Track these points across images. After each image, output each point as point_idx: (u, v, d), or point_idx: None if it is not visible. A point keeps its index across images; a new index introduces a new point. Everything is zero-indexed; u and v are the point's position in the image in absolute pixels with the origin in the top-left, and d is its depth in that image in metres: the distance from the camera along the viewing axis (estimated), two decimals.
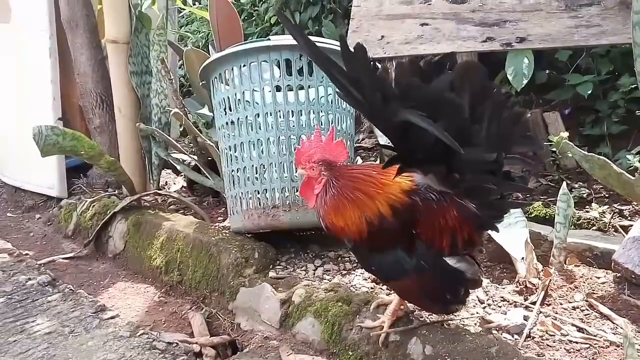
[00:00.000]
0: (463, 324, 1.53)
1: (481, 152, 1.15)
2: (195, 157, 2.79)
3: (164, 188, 3.31)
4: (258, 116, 1.92)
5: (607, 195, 2.71)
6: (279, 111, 1.90)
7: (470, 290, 1.36)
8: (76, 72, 3.09)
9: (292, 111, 1.92)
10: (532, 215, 2.63)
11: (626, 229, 2.27)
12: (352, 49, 1.06)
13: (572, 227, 2.51)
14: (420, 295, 1.36)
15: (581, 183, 2.91)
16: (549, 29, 1.86)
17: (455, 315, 1.56)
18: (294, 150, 1.86)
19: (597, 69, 3.27)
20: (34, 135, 2.19)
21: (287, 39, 1.83)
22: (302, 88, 1.91)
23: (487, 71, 1.13)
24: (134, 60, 2.81)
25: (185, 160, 2.98)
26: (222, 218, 2.61)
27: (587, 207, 2.70)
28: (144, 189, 2.94)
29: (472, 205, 1.24)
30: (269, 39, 1.83)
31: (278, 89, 1.89)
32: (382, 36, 2.22)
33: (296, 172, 1.43)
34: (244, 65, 1.88)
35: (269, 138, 1.90)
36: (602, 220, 2.37)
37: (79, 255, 2.62)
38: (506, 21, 1.95)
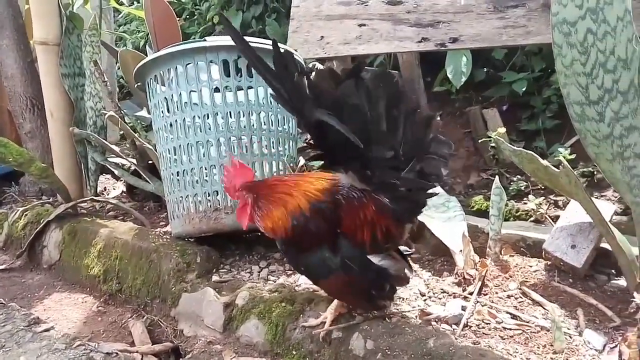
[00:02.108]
0: (404, 317, 1.57)
1: (382, 149, 1.28)
2: (134, 161, 2.70)
3: (103, 194, 3.20)
4: (197, 118, 1.88)
5: (543, 188, 2.84)
6: (219, 113, 1.87)
7: (396, 287, 1.44)
8: (3, 76, 2.94)
9: (232, 112, 1.90)
10: (474, 208, 2.73)
11: (557, 219, 2.39)
12: (281, 52, 1.21)
13: (511, 218, 2.64)
14: (347, 292, 1.42)
15: (519, 176, 3.04)
16: (479, 30, 1.93)
17: (396, 310, 1.60)
18: (236, 151, 1.87)
19: (531, 67, 3.43)
20: None
21: (224, 40, 1.81)
22: (242, 89, 1.89)
23: (400, 80, 1.26)
24: (66, 62, 2.69)
25: (124, 165, 2.89)
26: (163, 223, 2.55)
27: (525, 199, 2.83)
28: (81, 195, 2.83)
29: (385, 199, 1.34)
30: (205, 40, 1.80)
31: (217, 90, 1.87)
32: (322, 36, 2.23)
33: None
34: (181, 66, 1.84)
35: (208, 140, 1.87)
36: (538, 211, 2.49)
37: (11, 267, 2.49)
38: (439, 22, 2.01)
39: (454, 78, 3.38)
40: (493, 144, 3.19)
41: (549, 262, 1.78)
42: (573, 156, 2.87)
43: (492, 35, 1.91)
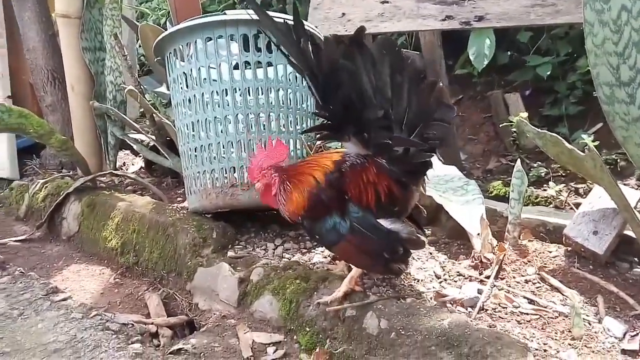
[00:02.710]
0: (419, 298, 1.55)
1: (373, 110, 1.34)
2: (153, 137, 2.71)
3: (122, 169, 3.23)
4: (216, 94, 1.87)
5: (564, 175, 2.79)
6: (237, 89, 1.86)
7: (410, 250, 1.45)
8: (25, 49, 2.95)
9: (250, 89, 1.88)
10: (493, 194, 2.68)
11: (578, 206, 2.34)
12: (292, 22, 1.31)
13: (530, 205, 2.60)
14: (360, 255, 1.46)
15: (540, 162, 2.99)
16: (506, 8, 1.87)
17: (411, 291, 1.59)
18: (254, 129, 1.86)
19: (556, 50, 3.34)
20: None
21: (244, 14, 1.78)
22: (261, 66, 1.87)
23: (421, 60, 1.31)
24: (87, 36, 2.70)
25: (143, 140, 2.90)
26: (181, 199, 2.56)
27: (545, 185, 2.79)
28: (100, 169, 2.85)
29: (383, 161, 1.40)
30: (224, 13, 1.78)
31: (237, 66, 1.85)
32: (343, 13, 2.19)
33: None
34: (201, 41, 1.82)
35: (226, 116, 1.86)
36: (558, 198, 2.44)
37: (31, 237, 2.53)
38: (465, 0, 1.95)
39: (476, 60, 3.30)
40: (514, 129, 3.14)
41: (569, 248, 1.74)
42: (596, 143, 2.81)
43: (520, 14, 1.85)
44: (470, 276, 1.72)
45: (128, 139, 2.75)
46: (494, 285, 1.63)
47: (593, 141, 2.76)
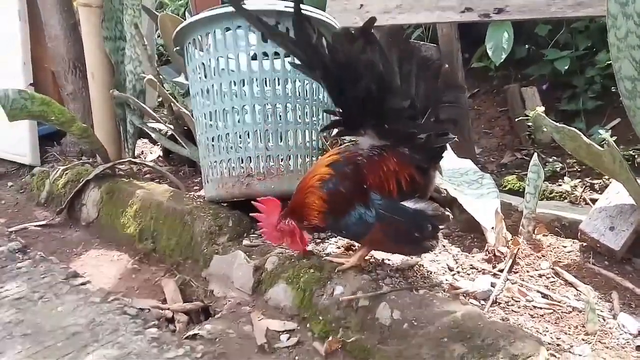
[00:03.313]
0: (432, 290, 1.56)
1: (398, 101, 1.36)
2: (172, 126, 2.75)
3: (140, 157, 3.27)
4: (234, 84, 1.89)
5: (579, 170, 2.77)
6: (255, 79, 1.88)
7: (438, 226, 1.48)
8: (47, 37, 3.00)
9: (267, 79, 1.89)
10: (507, 188, 2.67)
11: (595, 202, 2.32)
12: (302, 17, 1.35)
13: (545, 199, 2.58)
14: (391, 241, 1.49)
15: (555, 157, 2.96)
16: (527, 0, 1.85)
17: (424, 282, 1.60)
18: (271, 119, 1.88)
19: (575, 45, 3.29)
20: (0, 98, 2.13)
21: (262, 4, 1.80)
22: (279, 56, 1.88)
23: (438, 53, 1.37)
24: (108, 25, 2.73)
25: (161, 130, 2.94)
26: (197, 187, 2.60)
27: (560, 180, 2.77)
28: (119, 157, 2.90)
29: (405, 150, 1.43)
30: (244, 4, 1.79)
31: (255, 56, 1.86)
32: (361, 5, 2.19)
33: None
34: (220, 31, 1.84)
35: (244, 106, 1.88)
36: (573, 193, 2.42)
37: (51, 223, 2.59)
38: None
39: (494, 54, 3.27)
40: (530, 123, 3.11)
41: (585, 244, 1.73)
42: (614, 139, 2.77)
43: (540, 6, 1.83)
44: (483, 269, 1.72)
45: (147, 128, 2.79)
46: (507, 279, 1.63)
47: (611, 137, 2.74)
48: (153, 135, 2.76)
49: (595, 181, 2.59)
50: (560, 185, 2.69)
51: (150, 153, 3.36)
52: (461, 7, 1.98)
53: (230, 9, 1.80)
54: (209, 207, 2.03)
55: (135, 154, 3.12)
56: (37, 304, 1.67)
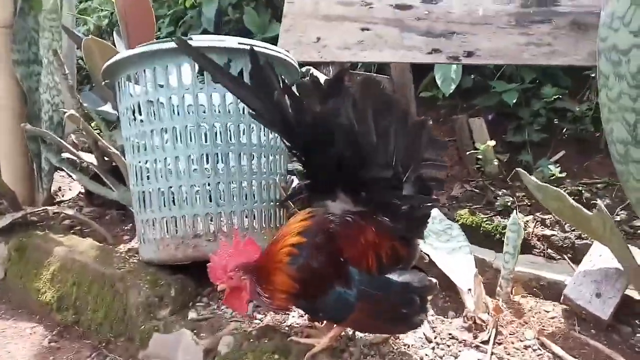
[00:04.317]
0: None
1: (378, 169, 1.20)
2: (96, 163, 2.38)
3: (57, 195, 2.85)
4: (177, 129, 1.61)
5: (529, 204, 2.73)
6: (204, 124, 1.61)
7: (426, 297, 1.31)
8: None
9: (217, 123, 1.63)
10: (459, 222, 2.57)
11: (562, 249, 2.27)
12: (261, 64, 1.14)
13: (497, 235, 2.53)
14: (377, 321, 1.29)
15: (504, 190, 2.93)
16: (498, 44, 1.74)
17: None
18: (224, 170, 1.61)
19: (521, 77, 3.30)
20: None
21: (211, 40, 1.54)
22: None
23: (385, 84, 1.22)
24: (19, 47, 2.33)
25: (83, 162, 2.55)
26: (128, 237, 2.25)
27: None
28: (32, 199, 2.49)
29: (385, 219, 1.26)
30: (190, 38, 1.52)
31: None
32: (318, 38, 1.99)
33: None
34: (160, 67, 1.56)
35: (189, 155, 1.60)
36: (525, 229, 2.37)
37: None
38: (453, 33, 1.81)
39: (443, 85, 3.22)
40: (480, 156, 3.07)
41: (567, 308, 1.62)
42: (563, 174, 2.78)
43: (513, 52, 1.73)
44: (464, 340, 1.55)
45: (65, 167, 2.41)
46: (492, 353, 1.48)
47: (560, 172, 2.75)
48: (74, 176, 2.38)
49: (546, 216, 2.56)
50: None
51: (69, 189, 2.94)
52: (428, 48, 1.84)
53: (172, 44, 1.52)
54: (146, 272, 1.72)
55: (52, 191, 2.71)
56: None
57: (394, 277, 1.26)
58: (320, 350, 1.37)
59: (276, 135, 1.73)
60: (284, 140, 1.27)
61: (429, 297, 1.41)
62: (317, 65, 1.98)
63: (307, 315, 1.66)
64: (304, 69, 2.19)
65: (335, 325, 1.40)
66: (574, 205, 1.46)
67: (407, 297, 1.26)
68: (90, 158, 2.50)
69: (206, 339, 1.50)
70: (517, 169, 1.68)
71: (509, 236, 1.65)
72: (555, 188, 1.51)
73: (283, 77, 1.19)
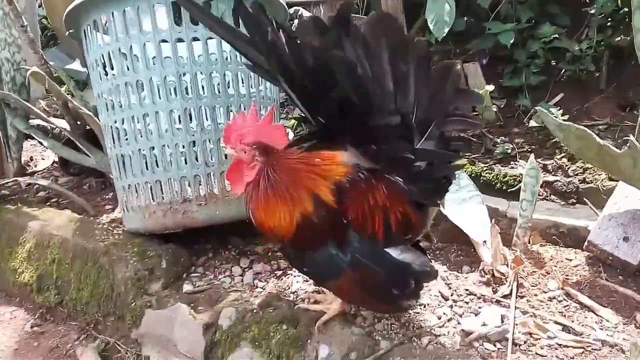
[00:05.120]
0: (437, 337, 1.26)
1: (386, 115, 1.06)
2: (68, 127, 2.17)
3: (29, 165, 2.64)
4: (156, 80, 1.42)
5: (529, 150, 2.63)
6: (185, 73, 1.42)
7: (423, 284, 1.19)
8: None
9: (201, 72, 1.44)
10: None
11: (566, 194, 2.17)
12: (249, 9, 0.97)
13: (498, 184, 2.43)
14: (363, 294, 1.18)
15: (503, 137, 2.81)
16: None
17: (427, 328, 1.29)
18: (210, 126, 1.44)
19: (516, 17, 3.12)
20: None
21: None
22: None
23: (402, 23, 1.03)
24: None
25: (54, 128, 2.34)
26: (110, 206, 2.07)
27: (513, 163, 2.63)
28: (1, 170, 2.28)
29: (399, 179, 1.11)
30: None
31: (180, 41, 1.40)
32: None
33: (225, 150, 1.16)
34: (132, 10, 1.35)
35: (171, 111, 1.42)
36: None
37: None
38: None
39: (436, 28, 3.01)
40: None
41: (590, 254, 1.52)
42: (565, 117, 2.66)
43: None
44: (483, 295, 1.45)
45: (35, 133, 2.20)
46: (516, 307, 1.37)
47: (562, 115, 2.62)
48: (45, 143, 2.17)
49: (547, 162, 2.46)
50: (513, 168, 2.57)
51: (42, 159, 2.72)
52: None
53: None
54: (132, 243, 1.56)
55: (23, 162, 2.50)
56: None
57: (393, 253, 1.13)
58: (331, 317, 1.26)
59: (268, 84, 1.55)
60: (286, 89, 1.09)
61: (426, 284, 1.32)
62: (306, 5, 1.77)
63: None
64: (291, 10, 1.98)
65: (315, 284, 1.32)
66: (601, 144, 1.32)
67: (402, 279, 1.14)
68: (62, 123, 2.29)
69: (205, 312, 1.37)
70: (536, 107, 1.53)
71: (527, 182, 1.52)
72: (579, 126, 1.37)
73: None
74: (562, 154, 2.49)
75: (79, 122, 2.18)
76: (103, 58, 1.46)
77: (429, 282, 1.29)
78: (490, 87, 2.85)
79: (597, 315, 1.33)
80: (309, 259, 1.15)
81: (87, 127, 2.19)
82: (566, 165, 2.41)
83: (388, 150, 1.10)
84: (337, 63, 0.99)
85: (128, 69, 1.41)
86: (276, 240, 1.18)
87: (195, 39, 1.40)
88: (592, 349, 1.22)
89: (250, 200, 1.14)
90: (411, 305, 1.29)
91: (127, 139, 1.48)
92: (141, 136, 1.45)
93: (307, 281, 1.52)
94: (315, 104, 1.08)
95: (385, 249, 1.13)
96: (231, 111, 1.47)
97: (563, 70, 3.05)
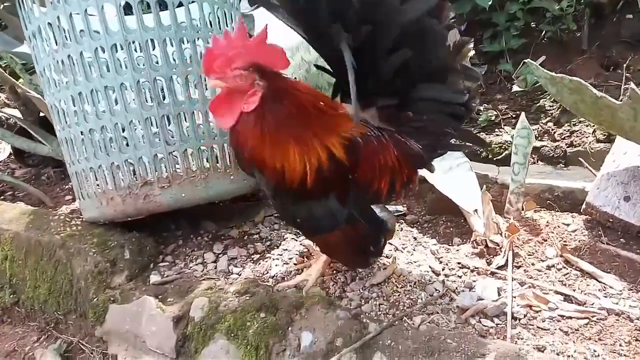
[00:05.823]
0: (430, 316, 1.15)
1: (449, 93, 1.08)
2: (19, 115, 2.00)
3: None
4: (102, 50, 1.26)
5: (513, 116, 2.54)
6: (133, 41, 1.26)
7: (387, 240, 1.21)
8: None
9: (153, 40, 1.28)
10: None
11: (554, 159, 2.08)
12: None
13: (484, 152, 2.36)
14: (347, 249, 1.18)
15: (486, 105, 2.72)
16: None
17: (418, 306, 1.18)
18: (167, 98, 1.29)
19: None
20: None
21: None
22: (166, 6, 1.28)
23: None
24: None
25: (9, 118, 2.17)
26: (71, 197, 1.91)
27: (498, 130, 2.55)
28: None
29: (416, 145, 1.13)
30: None
31: (129, 7, 1.24)
32: None
33: (209, 82, 1.07)
34: None
35: (122, 83, 1.26)
36: (512, 143, 2.20)
37: None
38: None
39: None
40: None
41: (588, 217, 1.42)
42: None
43: None
44: (477, 268, 1.35)
45: None
46: (513, 279, 1.27)
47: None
48: None
49: (532, 127, 2.37)
50: (498, 135, 2.49)
51: (1, 152, 2.53)
52: None
53: None
54: (92, 234, 1.41)
55: None
56: None
57: (377, 210, 1.16)
58: (314, 281, 1.24)
59: None
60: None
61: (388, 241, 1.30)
62: None
63: (282, 250, 1.43)
64: None
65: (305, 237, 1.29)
66: (598, 95, 1.22)
67: (377, 236, 1.17)
68: (14, 112, 2.11)
69: (174, 304, 1.24)
70: (525, 60, 1.42)
71: (518, 143, 1.41)
72: (573, 77, 1.26)
73: None
74: (548, 118, 2.41)
75: (29, 108, 2.00)
76: (41, 28, 1.29)
77: (390, 239, 1.28)
78: (471, 52, 2.73)
79: (599, 282, 1.24)
80: (306, 210, 1.08)
81: (41, 115, 2.02)
82: (552, 130, 2.32)
83: (432, 121, 1.11)
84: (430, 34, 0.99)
85: (69, 39, 1.25)
86: (278, 183, 1.03)
87: (145, 4, 1.24)
88: (597, 318, 1.12)
89: (247, 135, 0.98)
90: (376, 261, 1.32)
91: (76, 120, 1.32)
92: (90, 114, 1.29)
93: (286, 263, 1.40)
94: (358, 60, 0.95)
95: (371, 205, 1.14)
96: (191, 83, 1.33)
97: (544, 32, 2.94)
